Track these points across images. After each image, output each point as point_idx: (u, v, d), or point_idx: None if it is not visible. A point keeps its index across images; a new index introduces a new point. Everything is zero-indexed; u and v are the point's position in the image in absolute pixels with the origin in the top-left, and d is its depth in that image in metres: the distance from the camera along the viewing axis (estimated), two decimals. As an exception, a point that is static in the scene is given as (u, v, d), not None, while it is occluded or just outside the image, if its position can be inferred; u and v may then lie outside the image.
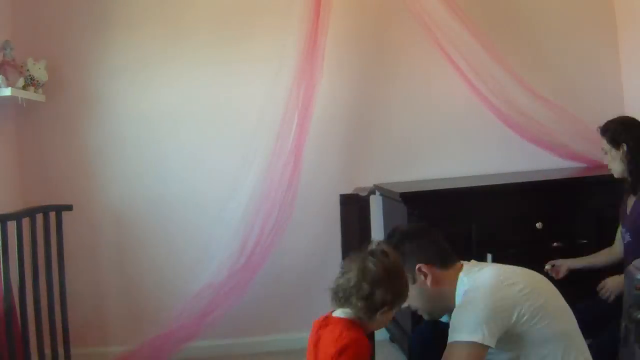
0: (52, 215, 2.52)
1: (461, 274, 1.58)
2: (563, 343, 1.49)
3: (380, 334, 2.94)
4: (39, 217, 2.42)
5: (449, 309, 1.57)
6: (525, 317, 1.45)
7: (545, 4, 3.07)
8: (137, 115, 2.85)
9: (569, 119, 2.83)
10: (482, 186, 2.61)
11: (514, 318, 1.45)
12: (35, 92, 2.57)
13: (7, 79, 2.39)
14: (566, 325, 1.53)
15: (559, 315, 1.52)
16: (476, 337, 1.41)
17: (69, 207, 2.59)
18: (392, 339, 2.87)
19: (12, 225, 2.20)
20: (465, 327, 1.45)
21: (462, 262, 1.65)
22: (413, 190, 2.55)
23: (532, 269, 1.65)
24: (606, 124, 2.21)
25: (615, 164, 2.17)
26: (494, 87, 2.76)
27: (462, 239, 2.48)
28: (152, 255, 2.88)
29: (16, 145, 2.77)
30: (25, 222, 2.31)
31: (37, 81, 2.57)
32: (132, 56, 2.83)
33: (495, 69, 2.71)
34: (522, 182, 2.65)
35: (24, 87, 2.49)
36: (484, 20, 2.84)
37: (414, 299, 1.62)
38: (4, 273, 2.12)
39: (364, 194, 2.08)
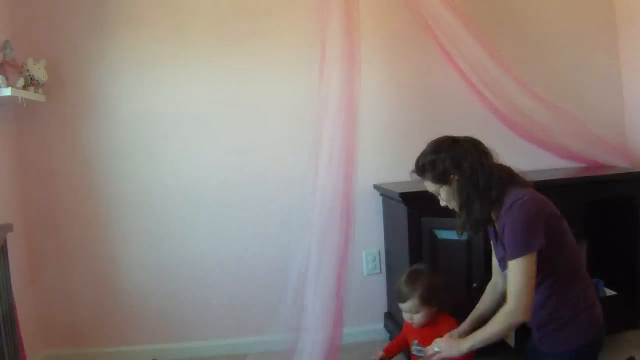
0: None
1: None
2: None
3: (380, 334, 2.95)
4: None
5: None
6: None
7: (545, 4, 3.07)
8: (137, 115, 2.85)
9: (569, 120, 2.83)
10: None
11: None
12: (35, 92, 2.57)
13: (7, 79, 2.39)
14: None
15: None
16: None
17: (8, 228, 2.22)
18: (392, 339, 2.87)
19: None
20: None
21: None
22: (413, 190, 2.55)
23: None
24: (418, 161, 1.81)
25: (452, 202, 1.79)
26: (494, 88, 2.76)
27: (465, 239, 2.49)
28: (153, 255, 2.88)
29: (16, 145, 2.77)
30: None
31: (37, 81, 2.57)
32: (132, 56, 2.82)
33: (495, 70, 2.71)
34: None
35: (24, 87, 2.49)
36: (484, 20, 2.84)
37: None
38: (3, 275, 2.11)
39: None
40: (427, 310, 1.93)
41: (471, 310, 1.93)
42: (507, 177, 1.73)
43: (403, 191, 2.51)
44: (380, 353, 2.04)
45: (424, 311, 1.92)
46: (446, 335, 1.81)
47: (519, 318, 1.59)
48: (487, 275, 2.03)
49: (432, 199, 2.51)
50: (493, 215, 1.74)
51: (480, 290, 1.99)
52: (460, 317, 1.90)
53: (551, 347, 1.70)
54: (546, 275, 1.65)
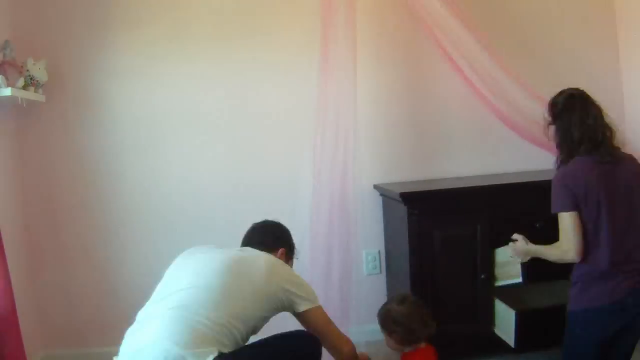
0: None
1: None
2: None
3: (380, 334, 2.94)
4: None
5: None
6: None
7: (545, 4, 3.07)
8: (137, 115, 2.84)
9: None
10: (482, 186, 2.62)
11: None
12: (35, 92, 2.57)
13: (7, 79, 2.39)
14: None
15: None
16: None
17: None
18: (392, 339, 2.87)
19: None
20: None
21: None
22: (413, 190, 2.56)
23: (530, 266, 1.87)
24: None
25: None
26: (494, 88, 2.76)
27: (465, 239, 2.50)
28: (153, 255, 2.88)
29: (16, 145, 2.77)
30: None
31: (37, 81, 2.57)
32: (133, 56, 2.82)
33: (495, 70, 2.71)
34: (522, 182, 2.65)
35: (24, 87, 2.49)
36: (484, 20, 2.84)
37: None
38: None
39: None
40: (386, 337, 2.01)
41: (476, 303, 2.38)
42: (585, 145, 1.95)
43: (403, 191, 2.51)
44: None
45: (385, 336, 2.02)
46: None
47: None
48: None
49: (432, 199, 2.54)
50: None
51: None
52: (465, 312, 1.90)
53: None
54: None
